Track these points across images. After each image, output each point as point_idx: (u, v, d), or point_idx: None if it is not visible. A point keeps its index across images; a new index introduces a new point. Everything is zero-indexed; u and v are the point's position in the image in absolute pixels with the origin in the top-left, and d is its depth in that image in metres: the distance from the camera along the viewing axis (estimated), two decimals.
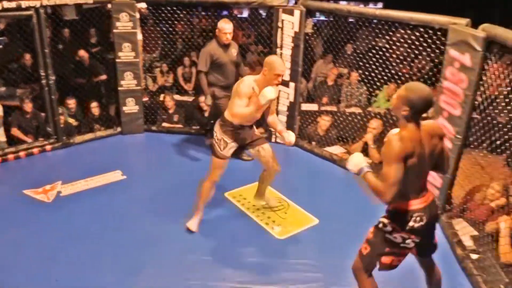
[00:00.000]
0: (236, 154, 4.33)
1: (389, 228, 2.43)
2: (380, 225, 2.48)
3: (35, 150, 4.93)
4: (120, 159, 4.84)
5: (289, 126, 5.16)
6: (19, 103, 5.18)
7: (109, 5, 5.05)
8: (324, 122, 5.19)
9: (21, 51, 6.26)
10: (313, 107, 5.79)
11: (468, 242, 3.48)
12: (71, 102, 5.52)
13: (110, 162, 4.69)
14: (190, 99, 6.17)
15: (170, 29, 5.90)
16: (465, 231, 3.57)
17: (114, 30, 5.08)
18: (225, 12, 8.51)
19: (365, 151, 4.79)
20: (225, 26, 4.47)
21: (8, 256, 3.31)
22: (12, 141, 5.05)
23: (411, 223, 2.37)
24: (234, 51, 4.63)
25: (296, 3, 4.85)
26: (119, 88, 5.27)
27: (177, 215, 3.79)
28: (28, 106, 5.09)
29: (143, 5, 5.27)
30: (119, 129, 5.45)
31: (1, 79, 5.93)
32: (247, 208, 3.97)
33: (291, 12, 4.76)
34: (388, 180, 2.23)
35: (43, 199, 4.07)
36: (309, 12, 4.81)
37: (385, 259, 2.47)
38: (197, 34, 7.61)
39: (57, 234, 3.57)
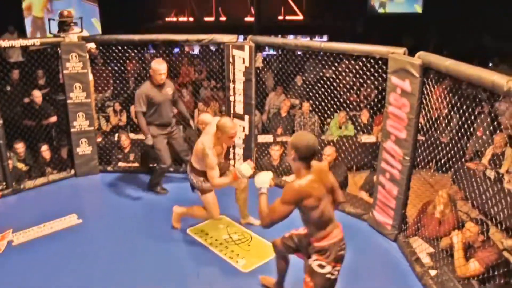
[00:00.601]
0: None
1: (328, 268, 2.56)
2: (318, 269, 2.58)
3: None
4: (75, 202, 4.69)
5: (246, 158, 5.23)
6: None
7: (59, 47, 5.00)
8: (274, 152, 5.31)
9: None
10: (269, 138, 5.92)
11: (426, 259, 3.62)
12: (20, 146, 5.35)
13: (64, 206, 4.52)
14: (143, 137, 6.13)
15: (122, 68, 5.90)
16: (422, 248, 3.72)
17: (64, 71, 5.02)
18: (176, 49, 8.63)
19: None
20: (159, 67, 4.47)
21: None
22: None
23: (340, 252, 2.58)
24: (169, 89, 4.65)
25: (245, 38, 5.02)
26: (72, 130, 5.16)
27: (136, 255, 3.70)
28: None
29: (92, 45, 5.27)
30: (72, 171, 5.30)
31: None
32: (210, 243, 3.94)
33: (241, 48, 4.92)
34: (273, 214, 2.55)
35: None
36: (259, 47, 4.99)
37: None
38: (149, 72, 7.63)
39: (6, 285, 3.38)
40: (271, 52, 10.11)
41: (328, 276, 2.57)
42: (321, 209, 2.52)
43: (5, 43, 4.71)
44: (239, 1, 14.81)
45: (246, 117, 5.11)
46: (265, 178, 2.75)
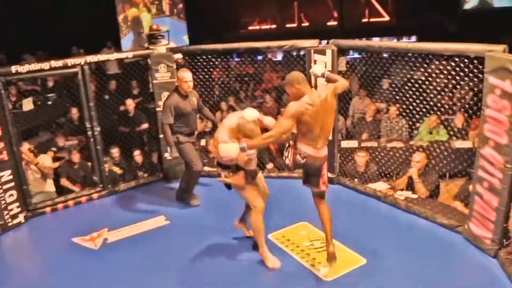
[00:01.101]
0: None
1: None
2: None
3: (83, 199, 5.11)
4: (163, 204, 4.91)
5: (329, 163, 5.10)
6: (67, 154, 5.43)
7: (149, 58, 5.31)
8: (359, 158, 5.12)
9: (68, 105, 6.65)
10: (353, 144, 5.73)
11: None
12: (115, 151, 5.74)
13: (154, 208, 4.78)
14: None
15: (207, 76, 6.10)
16: None
17: (154, 81, 5.32)
18: (259, 57, 8.75)
19: (410, 185, 4.66)
20: (186, 75, 4.55)
21: None
22: (61, 190, 5.27)
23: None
24: (194, 99, 4.71)
25: (328, 43, 4.93)
26: (160, 136, 5.43)
27: (219, 257, 3.76)
28: (75, 157, 5.34)
29: (179, 55, 5.51)
30: (161, 175, 5.58)
31: (49, 133, 6.29)
32: (291, 250, 3.90)
33: (323, 52, 4.83)
34: (278, 127, 3.25)
35: (91, 246, 4.17)
36: (341, 51, 4.87)
37: None
38: (232, 80, 7.83)
39: (104, 280, 3.63)
40: (356, 55, 9.85)
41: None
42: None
43: (102, 57, 5.13)
44: (321, 6, 14.68)
45: None
46: (231, 147, 3.20)
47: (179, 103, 4.58)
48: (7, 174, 4.50)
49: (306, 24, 15.05)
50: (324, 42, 5.07)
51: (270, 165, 5.54)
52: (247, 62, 6.43)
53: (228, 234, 4.15)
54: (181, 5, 12.44)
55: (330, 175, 5.12)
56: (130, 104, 6.41)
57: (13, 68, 4.55)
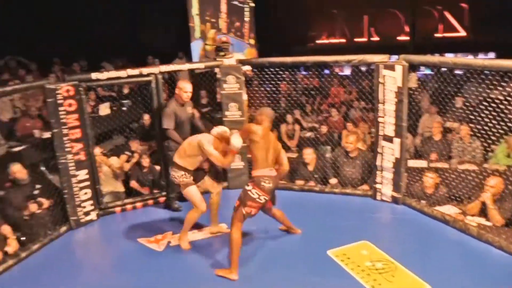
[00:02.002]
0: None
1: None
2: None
3: (150, 202, 5.34)
4: (225, 212, 4.99)
5: (395, 183, 4.96)
6: (139, 158, 5.71)
7: (217, 69, 5.48)
8: (428, 179, 4.89)
9: (141, 112, 7.00)
10: (421, 163, 5.51)
11: None
12: None
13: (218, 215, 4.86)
14: (293, 155, 6.26)
15: (274, 88, 6.17)
16: None
17: (222, 91, 5.47)
18: (326, 71, 8.72)
19: (483, 211, 4.38)
20: (187, 86, 4.78)
21: None
22: (130, 192, 5.54)
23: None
24: (189, 108, 4.96)
25: (398, 58, 4.81)
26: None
27: (282, 261, 3.76)
28: (146, 162, 5.60)
29: (248, 67, 5.63)
30: (225, 183, 5.69)
31: (123, 137, 6.65)
32: (351, 269, 3.80)
33: (392, 68, 4.72)
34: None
35: (155, 248, 4.34)
36: (412, 67, 4.73)
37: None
38: (299, 93, 7.84)
39: (165, 282, 3.75)
40: (428, 71, 9.51)
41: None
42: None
43: (175, 67, 5.38)
44: (392, 20, 14.34)
45: (397, 140, 4.85)
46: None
47: (177, 111, 4.81)
48: (83, 173, 4.83)
49: (376, 38, 14.77)
50: (394, 57, 4.95)
51: (333, 180, 5.46)
52: (314, 75, 6.42)
53: (287, 248, 4.17)
54: (238, 23, 12.73)
55: (395, 194, 4.96)
56: (196, 113, 6.60)
57: (94, 75, 4.89)
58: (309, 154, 5.61)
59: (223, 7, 12.08)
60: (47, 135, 5.31)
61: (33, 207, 4.56)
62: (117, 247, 4.42)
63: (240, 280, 3.70)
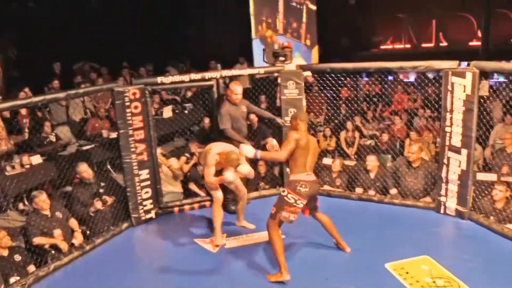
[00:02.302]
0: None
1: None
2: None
3: (207, 204, 5.43)
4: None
5: (461, 196, 4.69)
6: (197, 160, 5.84)
7: (277, 74, 5.47)
8: (497, 192, 4.57)
9: (202, 115, 7.18)
10: (491, 177, 5.17)
11: None
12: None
13: None
14: (352, 163, 6.12)
15: (334, 95, 6.08)
16: None
17: (282, 97, 5.46)
18: (390, 77, 8.46)
19: None
20: (237, 88, 4.99)
21: None
22: (188, 194, 5.68)
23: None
24: (243, 107, 5.15)
25: (468, 65, 4.55)
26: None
27: (333, 279, 3.69)
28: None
29: (309, 73, 5.59)
30: (281, 189, 5.66)
31: (183, 139, 6.85)
32: (410, 284, 3.63)
33: (462, 75, 4.47)
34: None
35: (210, 249, 4.41)
36: (484, 74, 4.45)
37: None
38: (360, 99, 7.67)
39: (217, 284, 3.80)
40: (501, 79, 8.93)
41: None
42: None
43: (236, 72, 5.47)
44: (463, 25, 13.62)
45: (464, 151, 4.59)
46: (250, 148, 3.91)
47: (231, 111, 5.00)
48: (145, 173, 5.02)
49: (444, 44, 14.12)
50: (464, 63, 4.69)
51: (393, 191, 5.27)
52: (377, 82, 6.25)
53: (342, 258, 4.10)
54: (295, 24, 12.66)
55: (460, 208, 4.69)
56: (254, 118, 6.66)
57: (159, 79, 5.08)
58: (372, 161, 5.46)
59: (280, 7, 12.11)
60: (114, 135, 5.58)
61: (98, 204, 4.81)
62: (173, 246, 4.55)
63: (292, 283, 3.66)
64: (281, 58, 5.43)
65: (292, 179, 3.82)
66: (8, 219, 5.26)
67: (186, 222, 5.07)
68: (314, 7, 12.56)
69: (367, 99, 7.61)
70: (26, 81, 7.79)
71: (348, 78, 5.85)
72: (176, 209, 5.33)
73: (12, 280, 3.94)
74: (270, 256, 4.15)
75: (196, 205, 5.43)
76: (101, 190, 5.00)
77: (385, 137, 6.53)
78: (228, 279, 3.86)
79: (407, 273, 3.78)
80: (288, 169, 4.24)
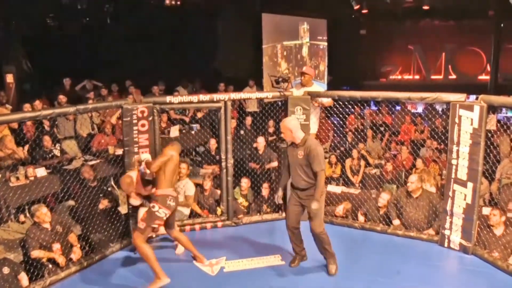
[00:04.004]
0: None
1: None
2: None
3: (208, 225, 5.40)
4: (281, 244, 4.92)
5: (466, 230, 4.61)
6: (202, 181, 5.84)
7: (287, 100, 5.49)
8: (492, 216, 4.54)
9: (208, 136, 7.21)
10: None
11: None
12: (245, 181, 5.95)
13: (271, 246, 4.81)
14: (356, 191, 6.07)
15: (341, 122, 6.09)
16: None
17: None
18: (397, 107, 8.48)
19: None
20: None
21: None
22: (190, 214, 5.64)
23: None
24: (302, 152, 4.11)
25: (477, 98, 4.55)
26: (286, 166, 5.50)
27: None
28: (207, 185, 5.70)
29: (328, 100, 5.57)
30: (284, 214, 5.62)
31: (189, 160, 6.85)
32: None
33: (470, 108, 4.47)
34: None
35: (208, 272, 4.36)
36: (492, 108, 4.44)
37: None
38: (367, 128, 7.68)
39: None
40: (509, 114, 8.92)
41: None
42: None
43: (244, 95, 5.50)
44: (473, 58, 13.73)
45: (470, 184, 4.54)
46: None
47: (288, 150, 4.28)
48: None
49: (453, 76, 14.19)
50: (473, 97, 4.70)
51: (396, 222, 5.20)
52: (384, 111, 6.26)
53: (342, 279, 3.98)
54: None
55: (465, 243, 4.62)
56: (262, 142, 6.66)
57: (168, 98, 5.13)
58: (384, 200, 5.33)
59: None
60: (119, 152, 5.61)
61: (105, 202, 5.15)
62: (172, 265, 4.47)
63: None
64: (282, 84, 5.45)
65: (160, 193, 4.03)
66: (8, 230, 5.26)
67: None
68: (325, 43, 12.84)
69: (374, 127, 7.60)
70: (37, 94, 7.92)
71: (356, 107, 5.86)
72: (177, 229, 5.29)
73: None
74: (266, 284, 4.10)
75: (197, 226, 5.38)
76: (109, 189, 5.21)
77: (390, 166, 6.50)
78: None
79: None
80: (153, 186, 4.30)
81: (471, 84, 12.57)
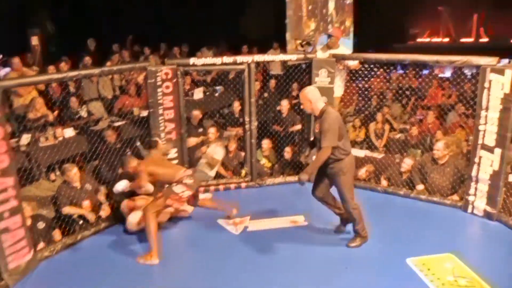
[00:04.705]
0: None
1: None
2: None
3: (232, 186, 5.50)
4: (304, 205, 4.98)
5: (491, 196, 4.57)
6: (227, 143, 5.90)
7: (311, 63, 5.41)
8: None
9: (232, 99, 7.20)
10: None
11: None
12: (265, 143, 6.00)
13: (295, 207, 4.87)
14: (379, 156, 6.04)
15: (366, 85, 5.99)
16: None
17: (313, 85, 5.40)
18: (425, 71, 8.25)
19: None
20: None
21: (187, 274, 3.79)
22: (215, 175, 5.74)
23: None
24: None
25: (509, 62, 4.39)
26: (311, 139, 5.49)
27: (348, 273, 3.69)
28: (231, 146, 5.76)
29: (354, 63, 5.48)
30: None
31: (212, 122, 6.90)
32: (431, 281, 3.59)
33: (501, 72, 4.32)
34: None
35: (232, 231, 4.48)
36: None
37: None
38: (392, 92, 7.53)
39: (238, 265, 3.87)
40: None
41: None
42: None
43: (268, 57, 5.45)
44: (506, 20, 13.11)
45: (497, 150, 4.46)
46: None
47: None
48: (173, 152, 5.12)
49: (484, 39, 13.64)
50: (505, 61, 4.52)
51: (420, 186, 5.18)
52: (411, 75, 6.11)
53: (361, 250, 4.07)
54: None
55: (489, 209, 4.59)
56: (285, 105, 6.63)
57: (191, 60, 5.12)
58: (408, 165, 5.30)
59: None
60: (144, 113, 5.68)
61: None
62: (196, 224, 4.62)
63: (314, 282, 3.66)
64: (306, 47, 5.37)
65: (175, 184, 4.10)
66: (40, 188, 5.48)
67: None
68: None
69: (400, 91, 7.45)
70: (62, 56, 8.01)
71: (381, 70, 5.71)
72: (201, 189, 5.39)
73: (40, 246, 4.12)
74: (289, 243, 4.20)
75: (221, 187, 5.49)
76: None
77: (415, 131, 6.40)
78: (248, 263, 3.90)
79: (428, 269, 3.74)
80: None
81: (503, 47, 12.07)
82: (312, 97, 3.84)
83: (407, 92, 7.47)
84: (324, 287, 3.56)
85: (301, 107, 4.21)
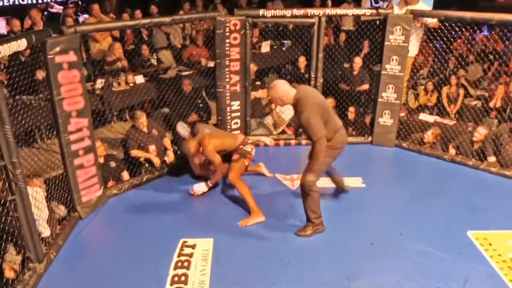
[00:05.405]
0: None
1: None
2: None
3: (292, 142, 5.50)
4: (364, 167, 4.89)
5: None
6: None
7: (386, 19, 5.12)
8: None
9: (299, 54, 7.05)
10: None
11: None
12: (330, 101, 5.87)
13: (354, 168, 4.77)
14: (451, 122, 5.70)
15: (444, 46, 5.58)
16: None
17: (386, 43, 5.13)
18: None
19: None
20: None
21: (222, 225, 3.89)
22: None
23: None
24: None
25: None
26: (379, 99, 5.30)
27: (410, 235, 3.63)
28: None
29: (434, 20, 5.12)
30: (370, 138, 5.52)
31: (278, 76, 6.85)
32: (491, 256, 3.44)
33: None
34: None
35: (289, 186, 4.53)
36: None
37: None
38: (474, 54, 6.98)
39: (290, 221, 3.90)
40: None
41: None
42: None
43: (340, 11, 5.22)
44: None
45: None
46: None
47: None
48: (236, 104, 5.18)
49: None
50: None
51: (492, 158, 4.86)
52: (497, 37, 5.59)
53: (423, 210, 3.96)
54: None
55: None
56: (358, 62, 6.37)
57: (261, 11, 5.03)
58: (481, 134, 4.91)
59: None
60: (211, 64, 5.75)
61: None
62: (253, 178, 4.70)
63: (372, 248, 3.62)
64: (382, 3, 5.05)
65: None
66: (111, 130, 5.83)
67: (270, 157, 5.15)
68: None
69: (482, 54, 6.87)
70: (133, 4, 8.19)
71: (464, 29, 5.24)
72: (261, 143, 5.45)
73: (109, 184, 4.44)
74: (344, 203, 4.19)
75: (281, 142, 5.51)
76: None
77: (494, 99, 5.94)
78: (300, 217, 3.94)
79: (490, 244, 3.58)
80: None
81: None
82: (282, 93, 3.44)
83: (490, 56, 6.86)
84: (378, 251, 3.54)
85: (272, 107, 4.40)
